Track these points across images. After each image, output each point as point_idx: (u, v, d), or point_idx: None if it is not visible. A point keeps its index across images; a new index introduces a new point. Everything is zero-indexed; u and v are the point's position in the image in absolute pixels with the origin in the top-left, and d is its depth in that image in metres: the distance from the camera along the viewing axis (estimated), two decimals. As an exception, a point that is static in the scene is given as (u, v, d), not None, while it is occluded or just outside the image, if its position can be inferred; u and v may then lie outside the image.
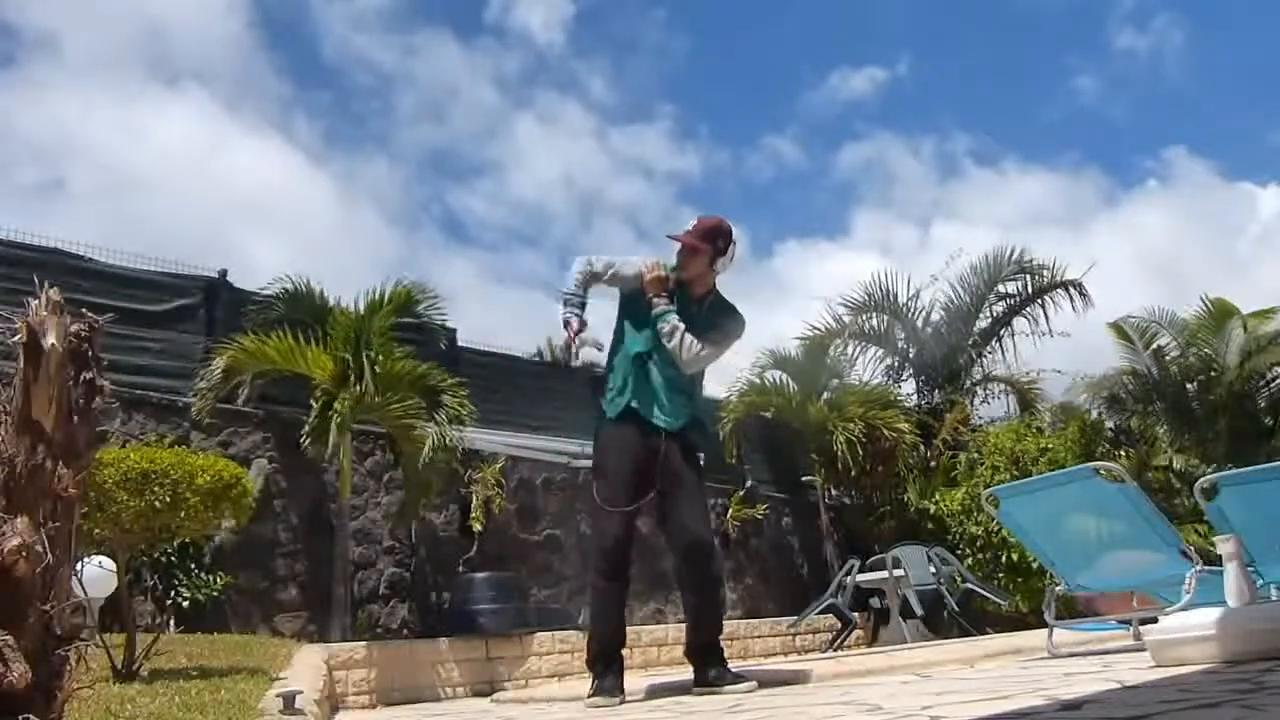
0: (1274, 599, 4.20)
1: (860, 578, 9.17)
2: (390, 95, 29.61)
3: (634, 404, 3.99)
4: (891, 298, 12.87)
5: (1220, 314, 13.09)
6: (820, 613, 9.27)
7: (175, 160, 25.51)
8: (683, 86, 30.33)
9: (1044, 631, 4.82)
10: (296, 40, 27.97)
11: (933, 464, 11.73)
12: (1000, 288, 12.90)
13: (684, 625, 4.15)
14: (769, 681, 3.97)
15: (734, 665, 4.06)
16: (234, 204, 25.80)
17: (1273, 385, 12.88)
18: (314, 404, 7.40)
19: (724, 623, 4.24)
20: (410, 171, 31.21)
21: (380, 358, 7.51)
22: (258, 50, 28.05)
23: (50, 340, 1.80)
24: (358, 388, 7.33)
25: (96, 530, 4.21)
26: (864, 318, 12.99)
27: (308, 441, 7.37)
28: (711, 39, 28.69)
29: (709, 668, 3.91)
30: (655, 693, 4.05)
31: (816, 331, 12.75)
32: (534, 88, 31.04)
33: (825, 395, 12.01)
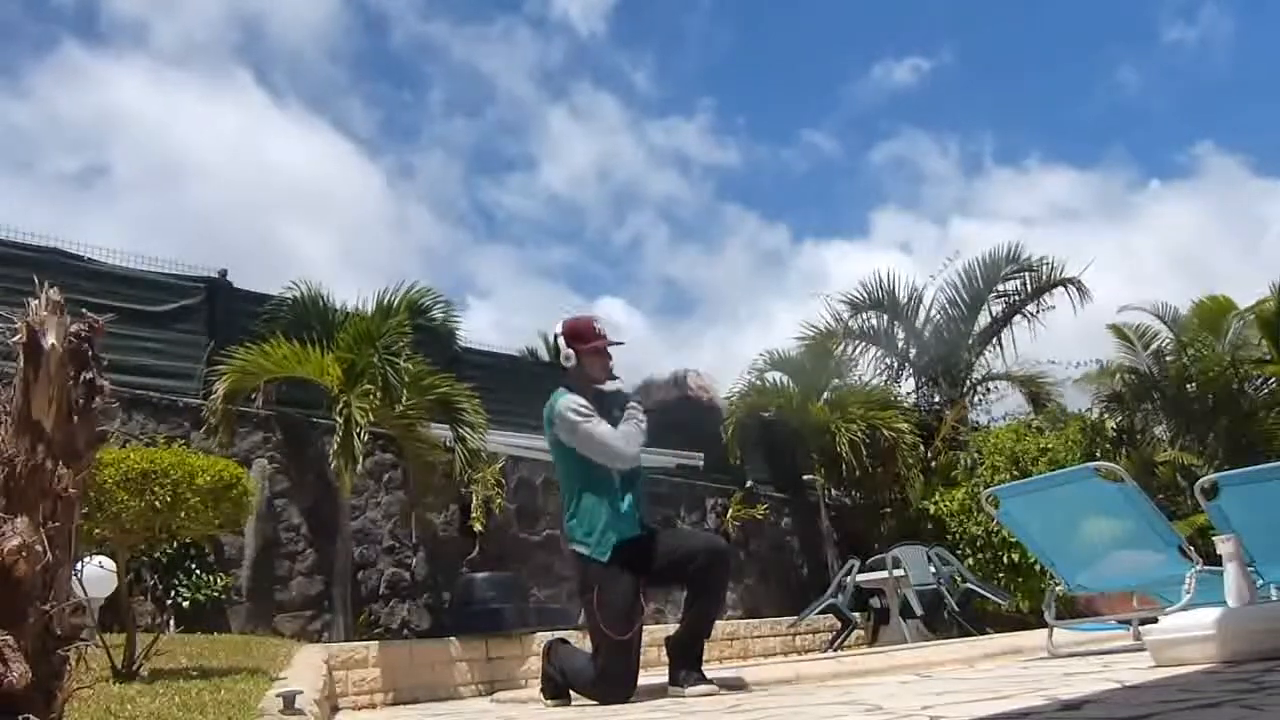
0: (1274, 599, 4.20)
1: (860, 578, 9.16)
2: (438, 87, 29.36)
3: (622, 535, 3.90)
4: (892, 297, 12.88)
5: (1217, 311, 13.07)
6: (820, 613, 9.26)
7: (232, 149, 25.33)
8: (724, 78, 29.64)
9: (1044, 631, 4.83)
10: (371, 28, 27.75)
11: (933, 464, 11.73)
12: (1000, 286, 12.93)
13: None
14: (728, 685, 3.97)
15: (733, 665, 4.05)
16: (286, 194, 25.69)
17: (1271, 384, 12.87)
18: (336, 421, 7.12)
19: (720, 624, 4.22)
20: (453, 164, 30.96)
21: (392, 366, 7.42)
22: (334, 38, 27.75)
23: (50, 340, 1.80)
24: (375, 397, 7.20)
25: (96, 530, 4.21)
26: (864, 317, 13.02)
27: (334, 464, 7.13)
28: (755, 29, 28.08)
29: (680, 668, 3.90)
30: (640, 693, 4.01)
31: (816, 331, 12.76)
32: (571, 79, 30.72)
33: (825, 395, 12.02)
